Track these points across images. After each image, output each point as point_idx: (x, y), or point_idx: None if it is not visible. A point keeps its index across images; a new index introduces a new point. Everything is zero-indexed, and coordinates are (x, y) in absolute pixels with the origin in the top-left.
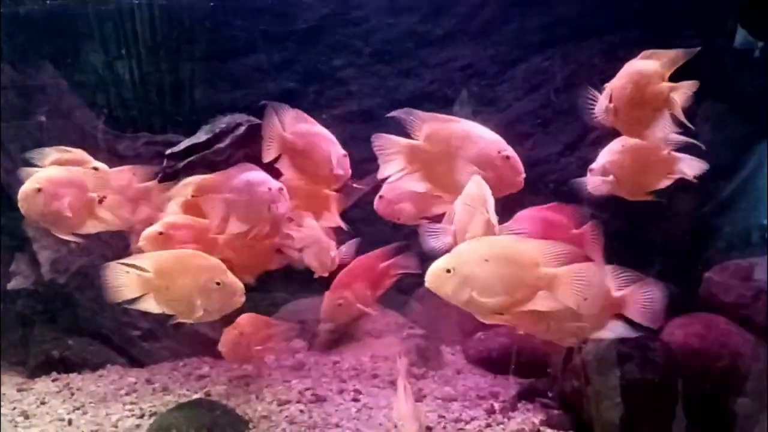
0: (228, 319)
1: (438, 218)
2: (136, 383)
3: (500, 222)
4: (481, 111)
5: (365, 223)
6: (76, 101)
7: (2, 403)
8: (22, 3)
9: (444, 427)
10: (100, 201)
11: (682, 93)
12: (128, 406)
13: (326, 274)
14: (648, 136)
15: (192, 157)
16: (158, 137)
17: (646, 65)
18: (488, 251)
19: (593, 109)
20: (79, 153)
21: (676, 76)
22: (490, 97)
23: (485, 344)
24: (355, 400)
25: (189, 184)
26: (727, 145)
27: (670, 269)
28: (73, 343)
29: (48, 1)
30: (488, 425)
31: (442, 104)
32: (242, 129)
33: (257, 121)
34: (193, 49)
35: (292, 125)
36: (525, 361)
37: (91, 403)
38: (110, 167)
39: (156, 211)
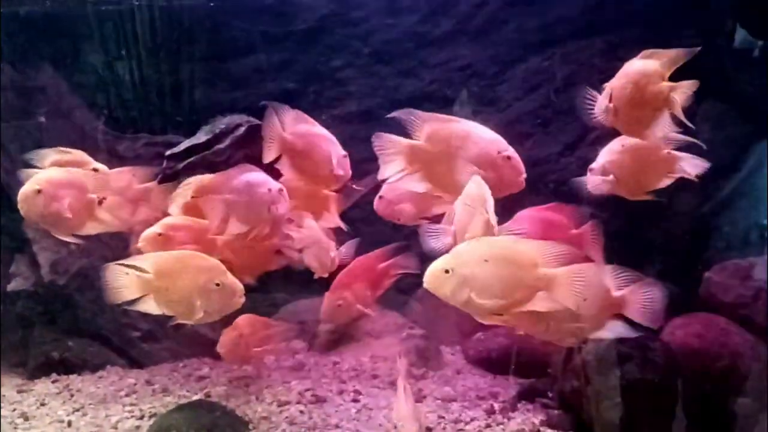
0: (227, 320)
1: (438, 218)
2: (135, 384)
3: (500, 222)
4: (480, 111)
5: (365, 224)
6: (76, 102)
7: (2, 405)
8: (22, 3)
9: (444, 428)
10: (100, 202)
11: (682, 93)
12: (128, 408)
13: (326, 275)
14: (648, 135)
15: (192, 158)
16: (158, 138)
17: (646, 65)
18: (487, 252)
19: (592, 109)
20: (78, 154)
21: (676, 76)
22: (490, 97)
23: (485, 344)
24: (355, 400)
25: (190, 184)
26: (726, 145)
27: (669, 269)
28: (73, 344)
29: (48, 2)
30: (488, 426)
31: (442, 104)
32: (242, 130)
33: (257, 121)
34: (193, 49)
35: (292, 126)
36: (525, 362)
37: (90, 404)
38: (110, 168)
39: (156, 212)
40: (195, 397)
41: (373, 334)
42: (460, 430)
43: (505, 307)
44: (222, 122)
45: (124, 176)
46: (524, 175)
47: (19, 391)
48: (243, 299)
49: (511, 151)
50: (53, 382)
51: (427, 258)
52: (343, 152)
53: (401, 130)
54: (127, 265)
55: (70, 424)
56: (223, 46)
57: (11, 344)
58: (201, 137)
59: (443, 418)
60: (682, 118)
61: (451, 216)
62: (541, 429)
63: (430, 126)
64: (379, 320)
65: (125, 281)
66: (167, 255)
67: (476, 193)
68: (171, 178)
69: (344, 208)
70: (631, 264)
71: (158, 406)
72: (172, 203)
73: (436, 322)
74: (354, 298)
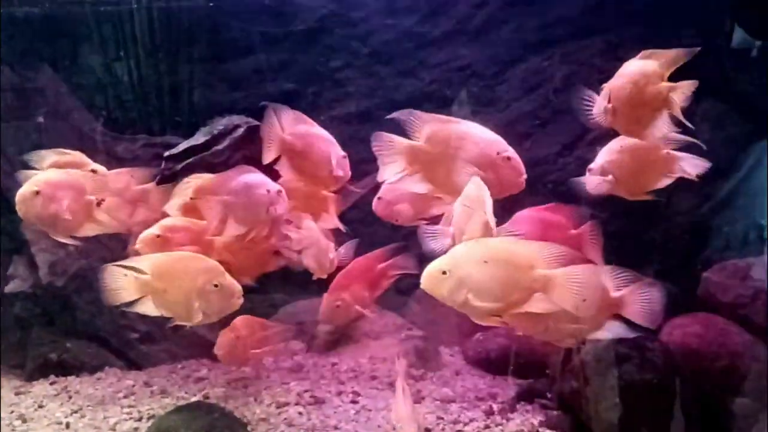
0: (225, 322)
1: (436, 219)
2: (134, 386)
3: (499, 222)
4: (479, 111)
5: (364, 225)
6: (75, 103)
7: (0, 407)
8: (21, 5)
9: (443, 429)
10: (99, 204)
11: (681, 93)
12: (126, 409)
13: (325, 276)
14: (647, 136)
15: (190, 159)
16: (157, 139)
17: (645, 65)
18: (484, 253)
19: (590, 110)
20: (77, 155)
21: (675, 76)
22: (489, 98)
23: (484, 345)
24: (354, 401)
25: (188, 184)
26: (725, 145)
27: (668, 269)
28: (71, 345)
29: (47, 3)
30: (487, 426)
31: (441, 105)
32: (240, 131)
33: (255, 122)
34: (192, 50)
35: (292, 127)
36: (523, 362)
37: (89, 406)
38: (108, 169)
39: (154, 214)
40: (193, 399)
41: (372, 335)
42: (459, 430)
43: (503, 309)
44: (220, 123)
45: (122, 177)
46: (524, 176)
47: (17, 393)
48: (241, 300)
49: (511, 151)
50: (51, 383)
51: (425, 258)
52: (343, 153)
53: (400, 130)
54: (126, 267)
55: (68, 425)
56: (222, 46)
57: (9, 346)
58: (199, 138)
59: (442, 419)
60: (682, 118)
61: (450, 217)
62: (540, 430)
63: (430, 127)
64: (377, 321)
65: (123, 283)
66: (165, 256)
67: (475, 194)
68: (169, 179)
69: (343, 209)
70: (629, 264)
71: (156, 407)
72: (169, 203)
73: (434, 323)
74: (352, 299)
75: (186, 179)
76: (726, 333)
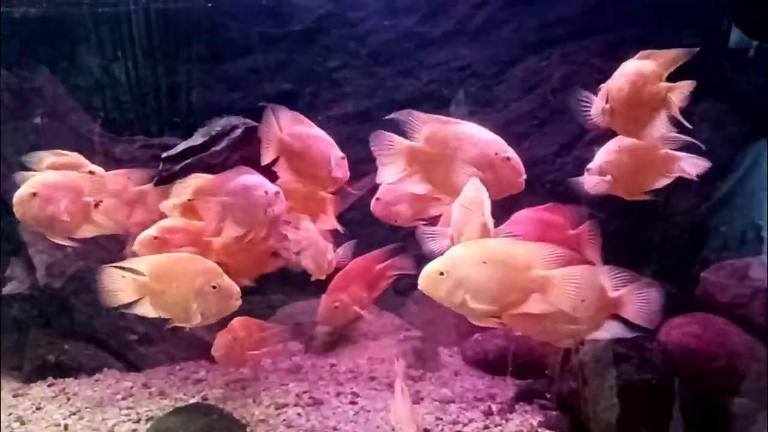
0: (223, 323)
1: (435, 220)
2: (132, 388)
3: (498, 222)
4: (478, 111)
5: (362, 225)
6: (72, 104)
7: None
8: (18, 6)
9: (442, 430)
10: (96, 205)
11: (679, 93)
12: (125, 411)
13: (323, 277)
14: (645, 136)
15: (188, 160)
16: (154, 140)
17: (644, 65)
18: (481, 254)
19: (587, 111)
20: (75, 156)
21: (673, 76)
22: (487, 98)
23: (482, 346)
24: (353, 402)
25: (184, 185)
26: (723, 145)
27: (666, 269)
28: (69, 347)
29: (44, 4)
30: (486, 427)
31: (440, 105)
32: (238, 131)
33: (253, 123)
34: (190, 50)
35: (290, 127)
36: (522, 363)
37: (87, 408)
38: (106, 170)
39: (152, 215)
40: (192, 400)
41: (371, 335)
42: (458, 431)
43: (500, 310)
44: (218, 124)
45: (120, 179)
46: (524, 176)
47: (15, 395)
48: (240, 302)
49: (510, 152)
50: (49, 385)
51: (424, 259)
52: (341, 154)
53: (398, 131)
54: (123, 268)
55: (66, 428)
56: (219, 47)
57: (7, 348)
58: (197, 139)
59: (441, 419)
60: (680, 118)
61: (448, 218)
62: (539, 430)
63: (429, 127)
64: (376, 322)
65: (121, 284)
66: (163, 258)
67: (473, 195)
68: (167, 180)
69: (341, 210)
70: (627, 264)
71: (155, 409)
72: (165, 202)
73: (433, 324)
74: (351, 300)
75: (184, 179)
76: (724, 333)
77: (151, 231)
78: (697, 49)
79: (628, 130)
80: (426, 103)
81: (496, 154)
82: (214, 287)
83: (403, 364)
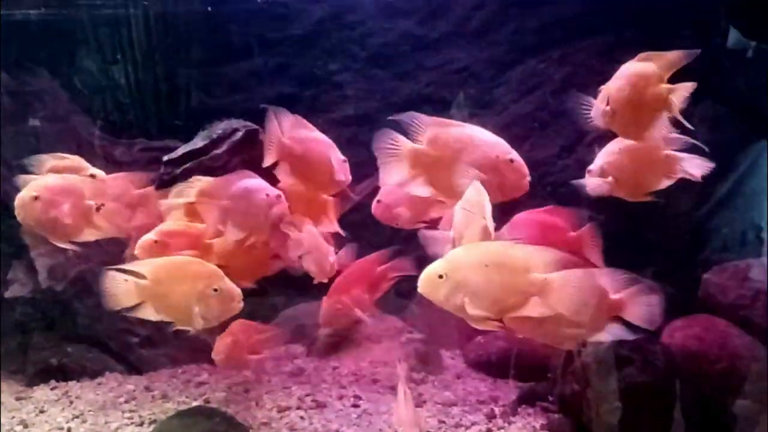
0: (224, 326)
1: (435, 222)
2: (135, 391)
3: (498, 225)
4: (477, 113)
5: (363, 228)
6: (72, 107)
7: (1, 412)
8: (18, 8)
9: None
10: (98, 209)
11: (680, 95)
12: (127, 414)
13: (326, 280)
14: (646, 138)
15: (189, 164)
16: (154, 143)
17: (645, 67)
18: (481, 257)
19: (587, 113)
20: (76, 160)
21: (672, 77)
22: (487, 100)
23: (485, 348)
24: (355, 405)
25: (189, 187)
26: (723, 146)
27: (666, 270)
28: (71, 350)
29: (43, 8)
30: (489, 430)
31: (439, 107)
32: (239, 134)
33: (254, 126)
34: (189, 54)
35: (291, 131)
36: (525, 365)
37: (90, 411)
38: (106, 173)
39: (153, 218)
40: (194, 403)
41: (373, 338)
42: None
43: (499, 313)
44: (219, 127)
45: (121, 182)
46: (528, 178)
47: (17, 398)
48: (242, 304)
49: (514, 154)
50: (52, 388)
51: (425, 261)
52: (343, 157)
53: (400, 133)
54: (125, 271)
55: (69, 431)
56: (219, 50)
57: (9, 351)
58: (198, 142)
59: (444, 422)
60: (682, 120)
61: (451, 221)
62: None
63: (432, 130)
64: (378, 324)
65: (123, 288)
66: (165, 261)
67: (475, 198)
68: (168, 183)
69: (341, 212)
70: (627, 266)
71: (158, 412)
72: (164, 201)
73: (435, 326)
74: (352, 302)
75: (187, 182)
76: (726, 335)
77: (152, 235)
78: (698, 51)
79: (629, 131)
80: (426, 106)
81: (498, 156)
82: (215, 290)
83: (406, 367)
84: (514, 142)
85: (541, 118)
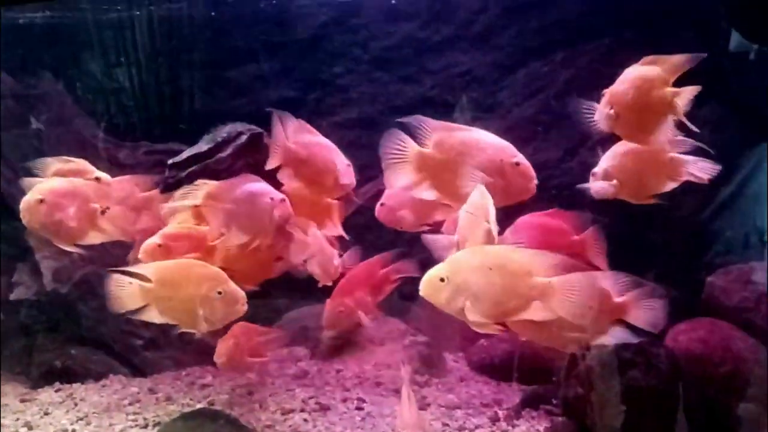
0: (227, 329)
1: (439, 225)
2: (139, 393)
3: (501, 228)
4: (480, 117)
5: (367, 230)
6: (77, 110)
7: (6, 414)
8: (22, 12)
9: None
10: (103, 212)
11: (685, 98)
12: (132, 416)
13: (330, 283)
14: (650, 141)
15: (194, 167)
16: (159, 146)
17: (650, 70)
18: (483, 260)
19: (590, 117)
20: (81, 163)
21: (676, 80)
22: (490, 103)
23: (488, 351)
24: (359, 408)
25: (189, 192)
26: (724, 148)
27: (669, 273)
28: (75, 352)
29: (47, 12)
30: None
31: (442, 110)
32: (244, 138)
33: (258, 129)
34: (193, 57)
35: (296, 135)
36: (528, 368)
37: (94, 413)
38: (111, 176)
39: (158, 221)
40: (198, 406)
41: (376, 341)
42: None
43: (501, 316)
44: (224, 130)
45: (126, 185)
46: (535, 182)
47: (22, 401)
48: (246, 307)
49: (520, 157)
50: (56, 391)
51: (428, 264)
52: (347, 161)
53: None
54: (130, 274)
55: None
56: (223, 54)
57: (14, 353)
58: (203, 146)
59: (447, 425)
60: (688, 123)
61: (454, 224)
62: None
63: (438, 134)
64: (382, 327)
65: (128, 291)
66: (169, 264)
67: (479, 201)
68: (173, 186)
69: (345, 215)
70: (630, 269)
71: (162, 414)
72: (167, 209)
73: (439, 329)
74: (355, 305)
75: (192, 185)
76: (731, 338)
77: (156, 238)
78: (704, 54)
79: (633, 135)
80: (429, 109)
81: (503, 160)
82: (219, 293)
83: (410, 370)
84: (518, 145)
85: (544, 121)
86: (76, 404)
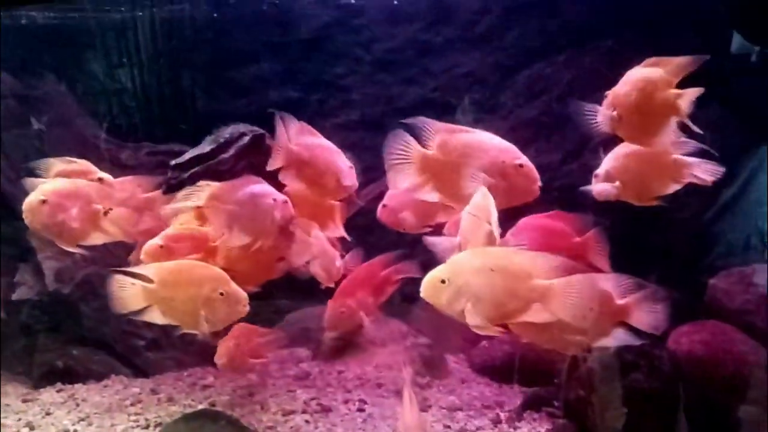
0: (226, 330)
1: (441, 227)
2: (140, 393)
3: (504, 230)
4: (483, 118)
5: (369, 232)
6: (79, 110)
7: (7, 414)
8: (24, 12)
9: None
10: (106, 213)
11: (688, 100)
12: (133, 417)
13: (332, 284)
14: (652, 143)
15: (197, 168)
16: (161, 147)
17: (652, 72)
18: (483, 262)
19: (592, 119)
20: (84, 164)
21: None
22: (492, 105)
23: (490, 353)
24: (361, 409)
25: (192, 193)
26: (725, 151)
27: (670, 275)
28: (77, 353)
29: (50, 12)
30: None
31: (445, 112)
32: (246, 139)
33: (261, 131)
34: (196, 58)
35: (298, 137)
36: (530, 370)
37: (96, 413)
38: (113, 176)
39: (160, 222)
40: (200, 406)
41: (378, 342)
42: None
43: (501, 318)
44: (226, 132)
45: (128, 186)
46: (539, 183)
47: (24, 401)
48: (248, 308)
49: (524, 159)
50: (58, 391)
51: (430, 265)
52: (349, 164)
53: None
54: (132, 275)
55: None
56: (225, 54)
57: (16, 353)
58: (205, 147)
59: (449, 427)
60: (692, 125)
61: (456, 225)
62: None
63: (442, 136)
64: (383, 329)
65: (130, 291)
66: (171, 265)
67: (482, 203)
68: (176, 187)
69: (346, 217)
70: (631, 271)
71: (163, 415)
72: (169, 209)
73: (440, 331)
74: (357, 306)
75: (195, 186)
76: (732, 341)
77: (157, 240)
78: (707, 56)
79: (635, 137)
80: (431, 110)
81: (504, 161)
82: (221, 294)
83: (411, 371)
84: (520, 146)
85: (546, 123)
86: (77, 404)
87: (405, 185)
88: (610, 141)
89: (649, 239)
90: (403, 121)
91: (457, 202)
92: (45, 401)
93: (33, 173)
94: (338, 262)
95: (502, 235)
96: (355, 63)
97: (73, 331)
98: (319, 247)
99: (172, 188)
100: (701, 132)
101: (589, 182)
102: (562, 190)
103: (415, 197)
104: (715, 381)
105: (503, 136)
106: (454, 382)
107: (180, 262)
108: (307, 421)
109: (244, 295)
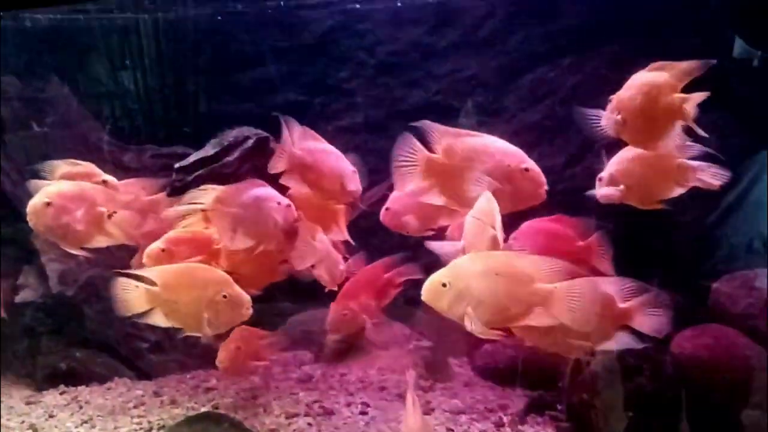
0: (228, 333)
1: (444, 230)
2: (143, 396)
3: (507, 234)
4: (486, 122)
5: (372, 235)
6: (82, 113)
7: (11, 416)
8: (28, 15)
9: None
10: (110, 216)
11: (692, 104)
12: (136, 419)
13: (336, 287)
14: (657, 147)
15: (201, 171)
16: (164, 149)
17: (657, 76)
18: (485, 266)
19: (596, 123)
20: (88, 166)
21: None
22: (496, 108)
23: (493, 356)
24: (363, 413)
25: (197, 196)
26: (727, 155)
27: (673, 279)
28: (81, 355)
29: (54, 15)
30: None
31: (448, 115)
32: (250, 142)
33: (265, 134)
34: (200, 61)
35: (301, 141)
36: (533, 373)
37: (99, 416)
38: (117, 179)
39: (164, 224)
40: (203, 409)
41: (381, 345)
42: None
43: (502, 322)
44: (230, 135)
45: (132, 188)
46: (545, 187)
47: (27, 403)
48: (250, 311)
49: (530, 163)
50: (61, 393)
51: (433, 268)
52: (353, 168)
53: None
54: (136, 277)
55: None
56: (230, 58)
57: (19, 355)
58: (210, 150)
59: (452, 430)
60: (698, 129)
61: (459, 229)
62: None
63: (448, 140)
64: (386, 332)
65: (134, 294)
66: (174, 268)
67: (486, 207)
68: (180, 190)
69: (349, 220)
70: (635, 274)
71: (166, 418)
72: (170, 209)
73: (443, 334)
74: (360, 309)
75: (202, 188)
76: (735, 344)
77: (159, 243)
78: (713, 61)
79: (640, 141)
80: (434, 114)
81: (510, 165)
82: (224, 297)
83: (414, 374)
84: (523, 150)
85: (549, 127)
86: (80, 407)
87: (409, 189)
88: (614, 145)
89: (651, 243)
90: (411, 124)
91: (463, 206)
92: (48, 403)
93: (37, 175)
94: (341, 265)
95: (505, 239)
96: (359, 66)
97: (76, 333)
98: (323, 251)
99: (176, 191)
100: (706, 135)
101: (592, 186)
102: (565, 194)
103: (419, 200)
104: (718, 385)
105: (506, 140)
106: (457, 385)
107: (184, 264)
108: (309, 424)
109: (247, 297)
